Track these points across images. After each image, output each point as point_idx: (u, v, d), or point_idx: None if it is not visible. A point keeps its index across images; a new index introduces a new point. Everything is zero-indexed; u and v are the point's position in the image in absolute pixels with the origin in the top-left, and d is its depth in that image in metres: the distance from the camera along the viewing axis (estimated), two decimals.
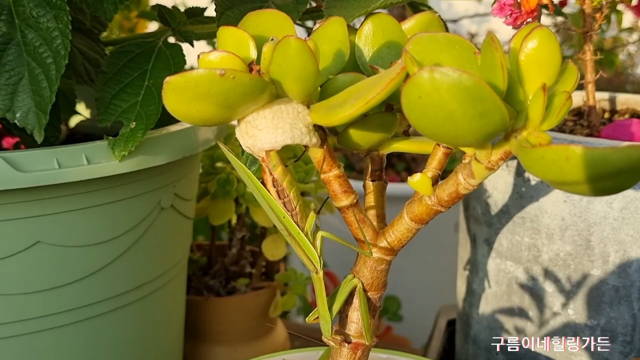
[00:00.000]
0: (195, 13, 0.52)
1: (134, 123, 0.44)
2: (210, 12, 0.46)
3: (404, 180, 1.17)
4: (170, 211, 0.52)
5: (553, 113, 0.29)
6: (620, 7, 0.74)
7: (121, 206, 0.47)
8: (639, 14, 0.74)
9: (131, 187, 0.47)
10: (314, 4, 0.49)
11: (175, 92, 0.30)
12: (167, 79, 0.30)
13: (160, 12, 0.49)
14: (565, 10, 0.56)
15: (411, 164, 1.21)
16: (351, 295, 0.38)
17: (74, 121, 0.69)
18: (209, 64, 0.32)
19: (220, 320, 0.70)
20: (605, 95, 0.67)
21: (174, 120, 0.52)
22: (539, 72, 0.30)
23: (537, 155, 0.27)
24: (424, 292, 1.12)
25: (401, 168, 1.21)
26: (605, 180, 0.26)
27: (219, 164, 0.68)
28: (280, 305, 0.71)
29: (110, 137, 0.44)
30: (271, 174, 0.34)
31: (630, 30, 1.27)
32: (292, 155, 0.65)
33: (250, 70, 0.33)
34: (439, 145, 0.36)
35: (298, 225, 0.35)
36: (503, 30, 0.50)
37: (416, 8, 0.48)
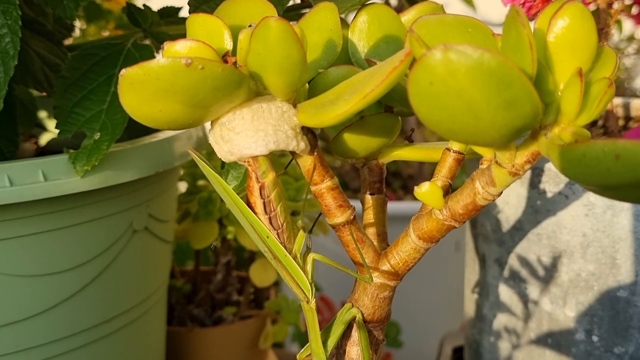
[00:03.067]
0: (170, 13, 0.47)
1: (99, 134, 0.39)
2: (186, 12, 0.41)
3: (401, 198, 1.11)
4: (145, 234, 0.46)
5: (591, 104, 0.24)
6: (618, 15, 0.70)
7: (86, 229, 0.41)
8: (639, 22, 0.70)
9: (97, 207, 0.41)
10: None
11: (134, 88, 0.25)
12: (123, 71, 0.25)
13: (130, 12, 0.44)
14: None
15: (408, 181, 1.16)
16: (349, 327, 0.33)
17: (45, 139, 0.63)
18: (174, 55, 0.27)
19: (205, 353, 0.64)
20: (618, 100, 0.62)
21: (148, 132, 0.46)
22: (572, 56, 0.25)
23: (577, 154, 0.22)
24: (424, 316, 1.06)
25: (398, 186, 1.16)
26: None
27: (201, 182, 0.62)
28: (271, 335, 0.65)
29: (71, 150, 0.38)
30: (259, 181, 0.28)
31: (630, 39, 1.23)
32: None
33: (225, 62, 0.28)
34: (448, 150, 0.31)
35: (285, 247, 0.29)
36: None
37: (414, 1, 0.43)
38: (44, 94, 0.49)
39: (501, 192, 0.27)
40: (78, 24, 0.82)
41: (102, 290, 0.44)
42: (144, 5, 0.45)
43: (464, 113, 0.22)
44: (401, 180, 1.16)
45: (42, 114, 0.65)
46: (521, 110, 0.22)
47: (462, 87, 0.21)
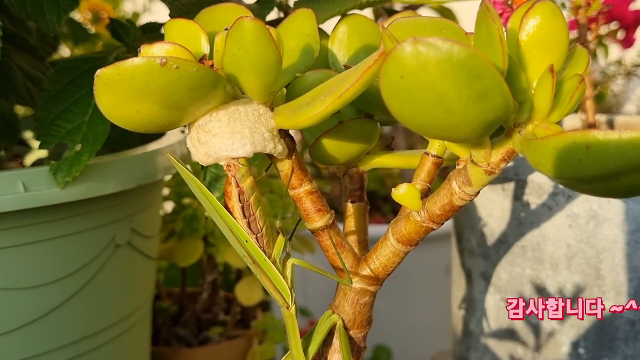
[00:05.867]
0: (152, 28, 0.47)
1: (80, 145, 0.39)
2: None
3: (390, 221, 1.11)
4: (127, 249, 0.46)
5: (564, 100, 0.24)
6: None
7: (67, 242, 0.41)
8: (625, 46, 0.70)
9: (79, 220, 0.41)
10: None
11: (109, 88, 0.25)
12: (98, 72, 0.25)
13: (113, 27, 0.44)
14: None
15: (397, 205, 1.16)
16: (330, 334, 0.33)
17: (30, 160, 0.63)
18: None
19: None
20: (602, 117, 0.62)
21: (132, 146, 0.46)
22: (544, 54, 0.25)
23: (548, 147, 0.22)
24: (414, 340, 1.05)
25: (388, 210, 1.15)
26: (636, 174, 0.21)
27: (186, 200, 0.62)
28: (258, 355, 0.65)
29: (52, 162, 0.38)
30: (238, 186, 0.28)
31: (618, 63, 1.23)
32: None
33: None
34: (427, 154, 0.31)
35: (264, 251, 0.29)
36: None
37: (393, 13, 0.43)
38: (29, 110, 0.49)
39: (478, 192, 0.27)
40: (66, 50, 0.83)
41: (84, 305, 0.44)
42: (127, 20, 0.45)
43: (436, 106, 0.22)
44: (391, 205, 1.16)
45: (28, 135, 0.65)
46: (492, 102, 0.22)
47: (432, 80, 0.21)
